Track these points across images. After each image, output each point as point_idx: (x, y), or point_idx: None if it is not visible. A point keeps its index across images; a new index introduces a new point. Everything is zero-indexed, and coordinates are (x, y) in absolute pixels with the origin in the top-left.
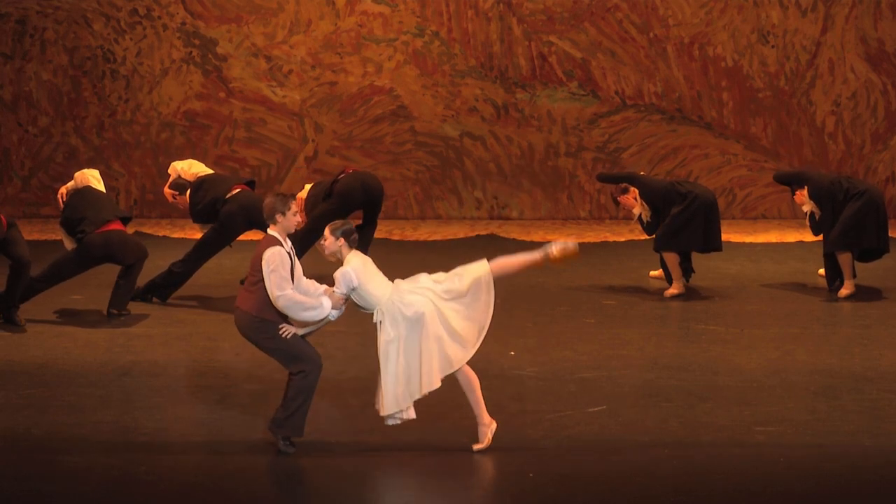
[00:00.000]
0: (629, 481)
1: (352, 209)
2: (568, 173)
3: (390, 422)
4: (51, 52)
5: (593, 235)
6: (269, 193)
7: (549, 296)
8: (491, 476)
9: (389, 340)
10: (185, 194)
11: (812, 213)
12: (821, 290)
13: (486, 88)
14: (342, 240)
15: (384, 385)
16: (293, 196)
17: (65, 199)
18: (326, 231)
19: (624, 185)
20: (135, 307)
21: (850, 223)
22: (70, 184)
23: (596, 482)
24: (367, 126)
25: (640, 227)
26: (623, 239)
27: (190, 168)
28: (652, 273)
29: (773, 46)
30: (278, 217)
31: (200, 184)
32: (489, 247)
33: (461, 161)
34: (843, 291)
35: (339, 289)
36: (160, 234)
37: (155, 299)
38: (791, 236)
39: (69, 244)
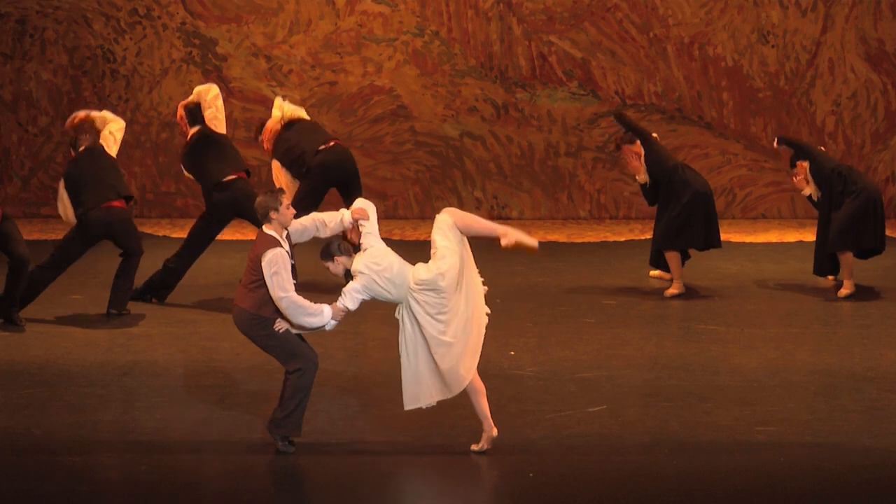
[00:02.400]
0: (629, 481)
1: (327, 187)
2: (568, 173)
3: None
4: (51, 51)
5: (593, 235)
6: (260, 192)
7: (549, 296)
8: (491, 476)
9: (405, 339)
10: (193, 128)
11: (810, 196)
12: (821, 290)
13: (486, 88)
14: (339, 258)
15: (403, 380)
16: (282, 190)
17: (77, 150)
18: (323, 262)
19: (632, 135)
20: (134, 307)
21: (849, 223)
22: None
23: (596, 482)
24: (367, 126)
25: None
26: (623, 239)
27: (215, 100)
28: (652, 273)
29: (773, 46)
30: (272, 214)
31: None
32: (489, 247)
33: (461, 161)
34: (843, 291)
35: (344, 301)
36: (160, 234)
37: (154, 300)
38: (791, 236)
39: (68, 213)
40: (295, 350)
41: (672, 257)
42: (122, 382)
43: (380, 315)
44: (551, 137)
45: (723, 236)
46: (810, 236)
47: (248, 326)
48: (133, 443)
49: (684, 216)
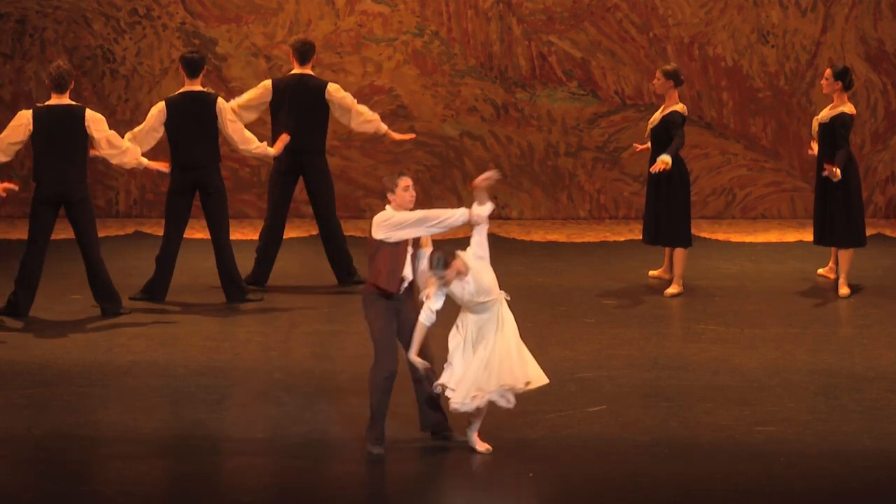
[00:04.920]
0: (629, 481)
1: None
2: (568, 173)
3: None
4: (51, 51)
5: (593, 235)
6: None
7: (549, 296)
8: (491, 476)
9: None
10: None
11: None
12: (821, 289)
13: (485, 88)
14: (436, 275)
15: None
16: (402, 172)
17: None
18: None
19: (676, 74)
20: (135, 307)
21: (858, 220)
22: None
23: (596, 482)
24: None
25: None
26: (623, 239)
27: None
28: (652, 273)
29: (773, 46)
30: (389, 196)
31: None
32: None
33: (461, 161)
34: (843, 291)
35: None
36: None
37: (151, 300)
38: (791, 236)
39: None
40: (377, 343)
41: (682, 255)
42: (122, 382)
43: None
44: (551, 137)
45: (722, 236)
46: (810, 236)
47: (363, 300)
48: (133, 443)
49: (688, 207)
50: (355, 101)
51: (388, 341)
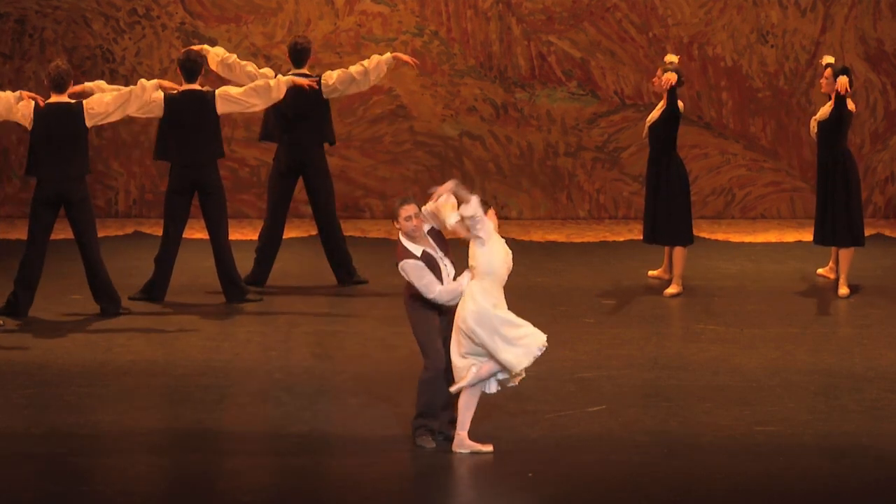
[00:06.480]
0: (629, 481)
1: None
2: (567, 173)
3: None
4: (50, 51)
5: (593, 235)
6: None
7: (549, 296)
8: (491, 476)
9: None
10: None
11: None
12: (821, 289)
13: (485, 88)
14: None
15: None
16: (408, 199)
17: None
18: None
19: (678, 77)
20: (134, 307)
21: (858, 219)
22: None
23: (596, 482)
24: (366, 126)
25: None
26: (623, 239)
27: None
28: (651, 273)
29: (772, 46)
30: (395, 224)
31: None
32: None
33: (460, 161)
34: (843, 291)
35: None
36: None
37: (151, 300)
38: (791, 236)
39: None
40: (425, 347)
41: (681, 254)
42: (122, 382)
43: (379, 315)
44: (550, 137)
45: (722, 236)
46: (810, 236)
47: (406, 307)
48: (133, 443)
49: (688, 206)
50: (347, 68)
51: (433, 341)
